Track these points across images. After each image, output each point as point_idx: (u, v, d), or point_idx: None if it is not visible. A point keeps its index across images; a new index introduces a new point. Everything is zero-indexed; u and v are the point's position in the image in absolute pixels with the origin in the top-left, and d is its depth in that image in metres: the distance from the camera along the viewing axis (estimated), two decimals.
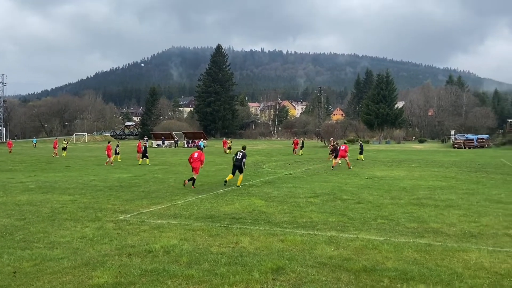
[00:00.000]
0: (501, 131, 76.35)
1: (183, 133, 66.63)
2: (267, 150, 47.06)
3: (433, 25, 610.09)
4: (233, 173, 15.61)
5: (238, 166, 15.44)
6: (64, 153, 37.55)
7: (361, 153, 30.36)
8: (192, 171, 15.54)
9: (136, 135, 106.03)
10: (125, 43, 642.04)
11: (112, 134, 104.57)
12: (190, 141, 60.33)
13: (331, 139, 39.34)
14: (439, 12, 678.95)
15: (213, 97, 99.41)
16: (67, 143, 41.29)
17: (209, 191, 14.06)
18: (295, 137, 45.72)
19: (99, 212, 10.33)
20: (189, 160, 15.82)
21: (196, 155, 15.68)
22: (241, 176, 15.52)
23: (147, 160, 26.63)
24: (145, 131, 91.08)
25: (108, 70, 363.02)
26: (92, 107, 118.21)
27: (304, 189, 14.51)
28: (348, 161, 22.93)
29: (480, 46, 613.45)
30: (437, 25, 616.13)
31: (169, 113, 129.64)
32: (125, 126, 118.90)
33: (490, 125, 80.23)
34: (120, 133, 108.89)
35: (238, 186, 15.02)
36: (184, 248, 7.12)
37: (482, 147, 51.59)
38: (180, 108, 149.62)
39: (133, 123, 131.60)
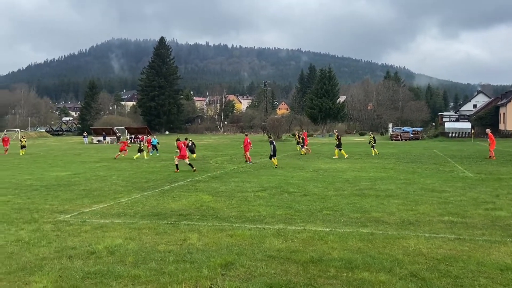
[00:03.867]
0: (433, 123, 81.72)
1: (126, 128, 64.34)
2: (214, 145, 46.78)
3: (369, 24, 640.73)
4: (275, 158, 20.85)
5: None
6: (22, 152, 33.00)
7: (373, 147, 28.36)
8: (184, 158, 19.25)
9: (74, 130, 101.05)
10: (59, 33, 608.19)
11: (48, 130, 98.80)
12: (133, 136, 58.41)
13: (335, 131, 36.23)
14: (373, 12, 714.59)
15: (157, 91, 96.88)
16: (25, 140, 35.60)
17: (155, 188, 13.70)
18: (304, 131, 38.11)
19: (36, 213, 9.71)
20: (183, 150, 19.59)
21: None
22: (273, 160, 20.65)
23: (144, 153, 27.30)
24: (85, 127, 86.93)
25: (42, 62, 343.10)
26: (25, 101, 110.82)
27: (252, 183, 14.57)
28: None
29: (411, 44, 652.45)
30: (372, 24, 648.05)
31: (110, 108, 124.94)
32: (62, 122, 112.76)
33: (423, 118, 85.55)
34: (57, 129, 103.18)
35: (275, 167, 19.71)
36: (129, 248, 6.88)
37: (417, 139, 54.69)
38: (122, 103, 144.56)
39: (71, 118, 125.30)
